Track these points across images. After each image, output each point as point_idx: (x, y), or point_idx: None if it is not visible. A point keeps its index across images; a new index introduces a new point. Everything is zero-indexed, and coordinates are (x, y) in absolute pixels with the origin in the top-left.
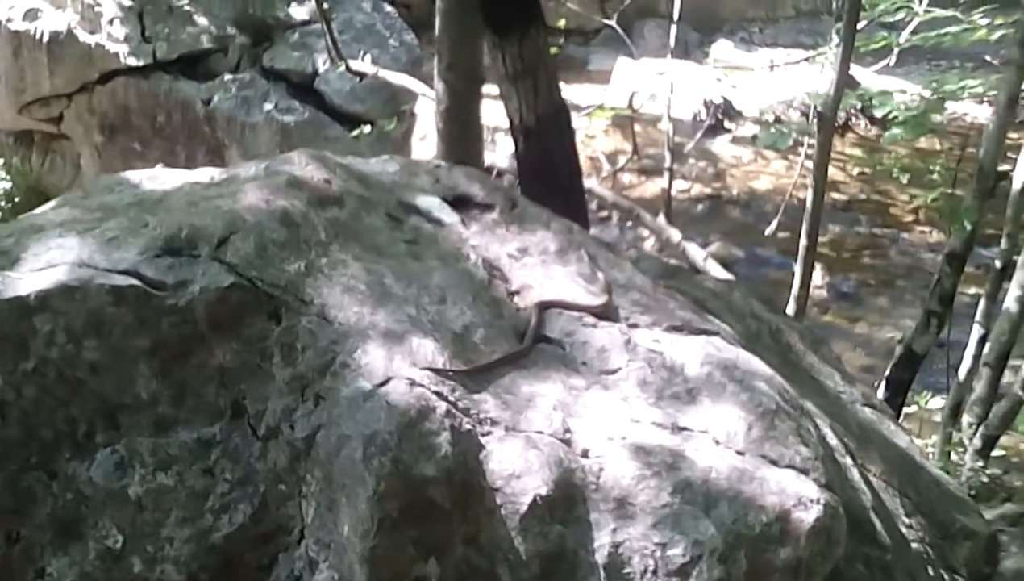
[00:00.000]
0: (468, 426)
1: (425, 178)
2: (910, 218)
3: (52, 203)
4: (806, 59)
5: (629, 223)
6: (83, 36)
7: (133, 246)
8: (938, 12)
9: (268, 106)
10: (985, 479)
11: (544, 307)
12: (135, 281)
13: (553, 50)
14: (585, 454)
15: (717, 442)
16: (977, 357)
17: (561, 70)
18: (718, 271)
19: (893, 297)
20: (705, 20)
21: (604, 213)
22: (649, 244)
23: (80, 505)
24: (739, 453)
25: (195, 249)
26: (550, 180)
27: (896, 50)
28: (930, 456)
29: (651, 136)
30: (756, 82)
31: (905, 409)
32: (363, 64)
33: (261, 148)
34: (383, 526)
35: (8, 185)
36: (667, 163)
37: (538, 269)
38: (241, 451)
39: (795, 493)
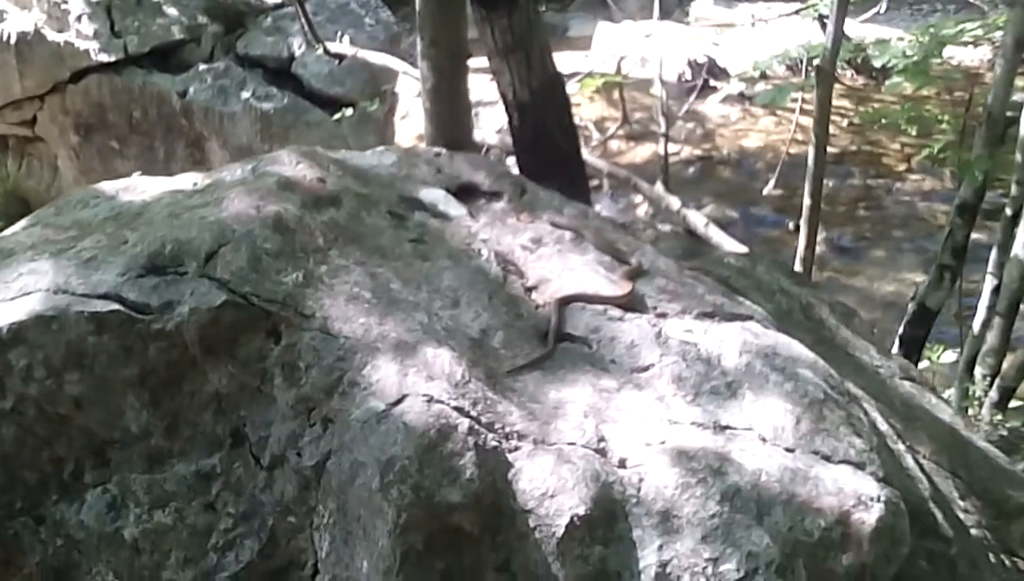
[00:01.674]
0: (494, 443)
1: (426, 169)
2: (903, 167)
3: (23, 222)
4: (797, 12)
5: (619, 191)
6: (51, 35)
7: (113, 266)
8: None
9: (246, 94)
10: (1005, 433)
11: (565, 303)
12: (116, 306)
13: None
14: (623, 464)
15: (764, 440)
16: (991, 308)
17: None
18: (720, 238)
19: (891, 248)
20: None
21: (595, 182)
22: (642, 211)
23: (72, 551)
24: (788, 450)
25: (181, 266)
26: (548, 155)
27: None
28: (977, 428)
29: (637, 100)
30: (739, 39)
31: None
32: (341, 45)
33: (241, 138)
34: (407, 560)
35: None
36: (662, 129)
37: (555, 260)
38: (244, 482)
39: (853, 492)
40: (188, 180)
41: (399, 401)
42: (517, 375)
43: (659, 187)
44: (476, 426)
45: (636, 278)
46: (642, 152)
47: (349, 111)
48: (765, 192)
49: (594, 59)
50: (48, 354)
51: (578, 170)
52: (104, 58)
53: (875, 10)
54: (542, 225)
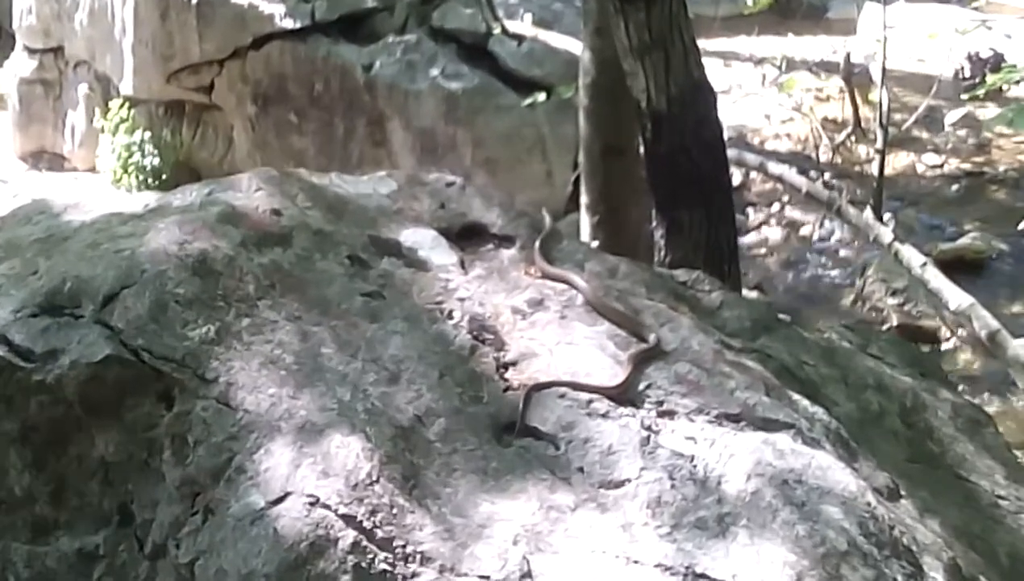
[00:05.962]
0: (384, 565)
1: (428, 202)
2: None
3: None
4: None
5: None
6: None
7: (10, 301)
8: None
9: (434, 72)
10: None
11: (537, 389)
12: None
13: None
14: None
15: None
16: None
17: (795, 20)
18: (939, 283)
19: None
20: None
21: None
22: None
23: None
24: None
25: (78, 307)
26: (684, 175)
27: None
28: None
29: (901, 99)
30: None
31: None
32: (522, 25)
33: (425, 120)
34: None
35: (156, 161)
36: (878, 144)
37: (552, 329)
38: (128, 570)
39: None
40: (139, 202)
41: (281, 499)
42: None
43: (868, 215)
44: (365, 541)
45: (644, 363)
46: (896, 161)
47: (542, 96)
48: (1022, 226)
49: (857, 46)
50: None
51: (722, 195)
52: (289, 24)
53: None
54: (552, 281)
